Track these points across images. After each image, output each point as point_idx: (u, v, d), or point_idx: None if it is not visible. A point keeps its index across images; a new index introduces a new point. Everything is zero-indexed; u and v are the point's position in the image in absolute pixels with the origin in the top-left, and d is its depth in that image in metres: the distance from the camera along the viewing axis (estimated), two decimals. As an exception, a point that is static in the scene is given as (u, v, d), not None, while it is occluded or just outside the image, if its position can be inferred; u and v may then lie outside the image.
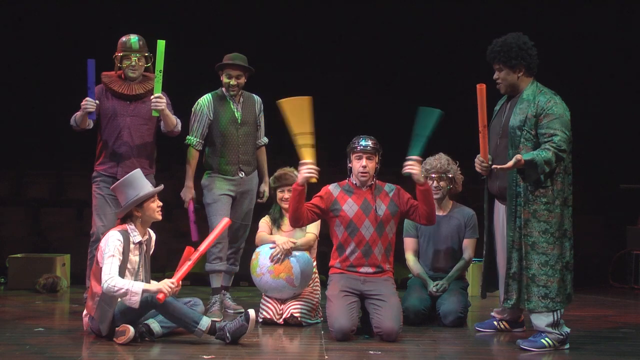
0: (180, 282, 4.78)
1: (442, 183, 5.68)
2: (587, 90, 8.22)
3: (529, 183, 4.65)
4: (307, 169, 4.86)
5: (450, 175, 5.70)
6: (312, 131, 4.83)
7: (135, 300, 4.61)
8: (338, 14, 8.78)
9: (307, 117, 4.82)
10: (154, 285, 4.71)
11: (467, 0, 8.77)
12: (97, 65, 5.55)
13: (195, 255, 4.82)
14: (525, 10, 8.45)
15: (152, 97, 5.56)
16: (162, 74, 5.49)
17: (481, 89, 4.72)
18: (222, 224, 5.10)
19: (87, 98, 5.55)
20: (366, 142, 5.10)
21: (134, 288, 4.62)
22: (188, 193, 5.82)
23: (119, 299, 4.70)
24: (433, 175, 5.66)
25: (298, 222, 5.11)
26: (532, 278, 4.67)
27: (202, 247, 4.89)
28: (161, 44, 5.47)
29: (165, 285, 4.65)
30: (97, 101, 5.59)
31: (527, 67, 4.81)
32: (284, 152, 6.08)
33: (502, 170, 4.67)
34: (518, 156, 4.53)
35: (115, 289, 4.61)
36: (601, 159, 8.58)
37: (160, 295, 4.62)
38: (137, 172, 4.97)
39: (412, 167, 4.88)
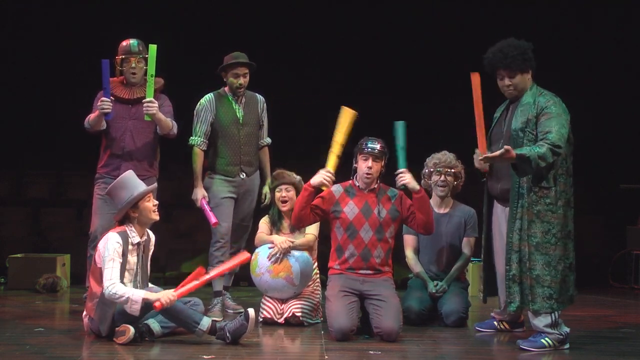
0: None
1: (449, 178, 5.69)
2: (587, 90, 8.21)
3: (533, 184, 4.66)
4: (325, 175, 4.92)
5: (456, 171, 5.72)
6: (344, 143, 4.98)
7: (135, 309, 4.62)
8: (338, 14, 8.78)
9: (348, 129, 4.99)
10: (154, 294, 4.70)
11: (468, 1, 8.76)
12: (96, 64, 5.56)
13: (205, 278, 4.84)
14: (526, 9, 8.44)
15: (143, 101, 5.59)
16: (153, 78, 5.53)
17: (475, 77, 4.74)
18: (241, 257, 5.10)
19: (103, 98, 5.60)
20: (374, 145, 5.11)
21: (135, 296, 4.62)
22: (199, 193, 5.77)
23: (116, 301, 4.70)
24: (440, 169, 5.67)
25: (300, 223, 5.14)
26: (537, 279, 4.66)
27: (213, 273, 4.94)
28: (152, 49, 5.51)
29: (166, 296, 4.64)
30: (112, 98, 5.62)
31: (534, 68, 4.84)
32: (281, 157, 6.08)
33: (490, 158, 4.62)
34: (507, 147, 4.51)
35: (117, 296, 4.62)
36: (601, 159, 8.57)
37: (157, 304, 4.61)
38: (129, 173, 4.97)
39: (403, 177, 4.95)
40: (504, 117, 4.93)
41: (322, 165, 5.02)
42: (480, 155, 4.78)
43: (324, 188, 5.00)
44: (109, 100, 5.61)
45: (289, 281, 5.38)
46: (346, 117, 4.97)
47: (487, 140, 4.91)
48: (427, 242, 5.72)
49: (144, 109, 5.60)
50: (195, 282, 4.78)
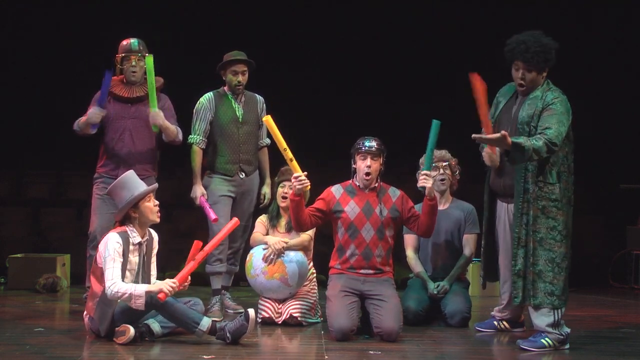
0: (189, 278, 4.79)
1: (447, 171, 5.70)
2: (587, 90, 8.21)
3: (536, 180, 4.66)
4: (298, 181, 4.90)
5: (453, 163, 5.74)
6: (285, 147, 4.90)
7: (140, 303, 4.62)
8: (338, 14, 8.78)
9: (278, 133, 4.91)
10: (155, 285, 4.72)
11: (468, 1, 8.77)
12: (96, 63, 5.57)
13: (200, 255, 4.82)
14: (526, 9, 8.45)
15: (148, 110, 5.59)
16: (154, 89, 5.53)
17: (476, 80, 4.73)
18: (230, 224, 5.08)
19: (94, 108, 5.59)
20: (371, 143, 5.11)
21: (137, 291, 4.62)
22: (198, 191, 5.78)
23: (119, 299, 4.70)
24: (436, 164, 5.67)
25: (302, 228, 5.18)
26: (539, 274, 4.67)
27: (208, 246, 4.91)
28: (149, 60, 5.51)
29: (166, 285, 4.65)
30: (104, 111, 5.62)
31: (551, 68, 4.82)
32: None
33: (484, 139, 4.61)
34: (504, 132, 4.49)
35: (119, 294, 4.62)
36: (601, 159, 8.57)
37: (161, 295, 4.62)
38: (130, 173, 4.97)
39: (426, 180, 4.92)
40: (512, 105, 4.89)
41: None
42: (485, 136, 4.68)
43: (306, 189, 5.01)
44: (100, 112, 5.61)
45: (284, 282, 5.38)
46: (270, 124, 4.93)
47: (494, 125, 4.84)
48: (427, 240, 5.70)
49: (150, 120, 5.61)
50: (192, 262, 4.78)
